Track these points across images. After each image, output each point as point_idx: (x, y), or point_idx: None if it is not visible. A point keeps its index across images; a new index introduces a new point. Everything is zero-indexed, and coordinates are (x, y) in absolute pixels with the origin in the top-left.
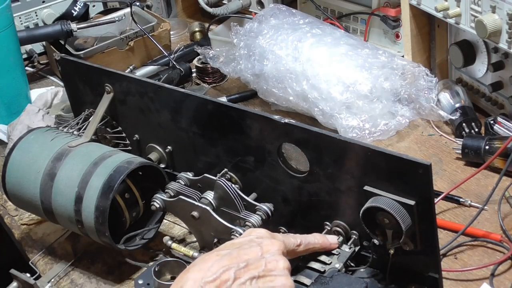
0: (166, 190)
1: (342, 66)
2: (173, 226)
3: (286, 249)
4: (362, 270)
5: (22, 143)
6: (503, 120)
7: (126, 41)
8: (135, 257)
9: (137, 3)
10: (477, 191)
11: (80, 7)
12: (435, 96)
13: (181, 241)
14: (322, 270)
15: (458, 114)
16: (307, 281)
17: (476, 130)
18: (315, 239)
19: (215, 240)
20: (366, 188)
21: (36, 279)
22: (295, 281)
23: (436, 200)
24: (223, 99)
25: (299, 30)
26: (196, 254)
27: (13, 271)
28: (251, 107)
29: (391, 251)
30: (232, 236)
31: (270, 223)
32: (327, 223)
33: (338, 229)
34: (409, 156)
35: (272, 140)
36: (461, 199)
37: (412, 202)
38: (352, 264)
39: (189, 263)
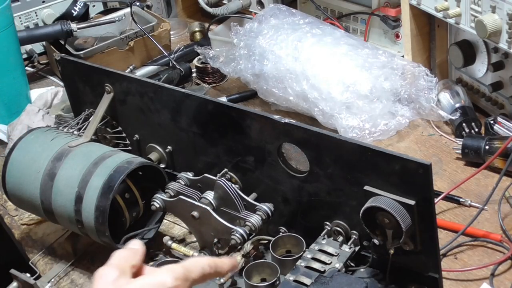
0: (166, 190)
1: (342, 66)
2: (173, 226)
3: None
4: (362, 270)
5: (22, 143)
6: (503, 120)
7: (126, 41)
8: None
9: (137, 3)
10: (477, 191)
11: (80, 7)
12: (435, 96)
13: (181, 241)
14: (322, 270)
15: (458, 114)
16: (307, 281)
17: (476, 130)
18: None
19: (215, 240)
20: (366, 188)
21: (36, 279)
22: (295, 281)
23: (436, 200)
24: (223, 99)
25: (299, 30)
26: (196, 254)
27: (13, 271)
28: (251, 107)
29: (391, 251)
30: (232, 236)
31: (270, 223)
32: (327, 223)
33: (338, 229)
34: (409, 156)
35: (272, 140)
36: (461, 199)
37: (412, 202)
38: (352, 264)
39: None
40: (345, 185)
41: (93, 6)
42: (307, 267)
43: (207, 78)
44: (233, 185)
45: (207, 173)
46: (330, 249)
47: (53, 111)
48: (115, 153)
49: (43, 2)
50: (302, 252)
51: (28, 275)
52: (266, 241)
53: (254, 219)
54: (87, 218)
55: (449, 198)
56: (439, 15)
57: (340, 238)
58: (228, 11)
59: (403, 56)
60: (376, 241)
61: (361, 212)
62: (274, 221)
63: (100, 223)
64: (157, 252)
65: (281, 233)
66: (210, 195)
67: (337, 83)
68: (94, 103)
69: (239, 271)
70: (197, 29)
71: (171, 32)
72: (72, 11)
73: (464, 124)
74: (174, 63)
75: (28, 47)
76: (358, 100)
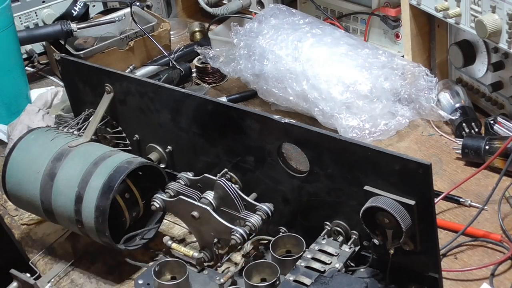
0: (166, 190)
1: (342, 66)
2: (173, 226)
3: None
4: (362, 270)
5: (22, 143)
6: (503, 120)
7: (126, 41)
8: (135, 257)
9: (137, 3)
10: (477, 191)
11: (80, 7)
12: (435, 96)
13: (181, 241)
14: (322, 270)
15: (458, 114)
16: (307, 281)
17: (476, 130)
18: None
19: (215, 240)
20: (366, 188)
21: (36, 279)
22: (295, 281)
23: (436, 200)
24: (223, 99)
25: (299, 30)
26: (196, 254)
27: (13, 271)
28: (251, 107)
29: (391, 251)
30: (232, 236)
31: (270, 223)
32: (327, 223)
33: (338, 229)
34: (409, 156)
35: (272, 140)
36: (461, 199)
37: (412, 202)
38: (352, 264)
39: (189, 263)
40: (345, 185)
41: (93, 6)
42: (307, 267)
43: (207, 78)
44: (233, 185)
45: (207, 173)
46: (330, 249)
47: (53, 111)
48: (115, 153)
49: (43, 2)
50: (302, 252)
51: (28, 275)
52: (266, 241)
53: (254, 219)
54: (87, 218)
55: (449, 198)
56: (439, 15)
57: (340, 238)
58: (228, 11)
59: (403, 56)
60: (376, 241)
61: (361, 212)
62: (274, 221)
63: (100, 223)
64: (157, 252)
65: (281, 233)
66: (210, 195)
67: (337, 83)
68: (94, 103)
69: (239, 271)
70: (197, 29)
71: (171, 32)
72: (72, 11)
73: (464, 124)
74: (174, 63)
75: (28, 47)
76: (358, 100)
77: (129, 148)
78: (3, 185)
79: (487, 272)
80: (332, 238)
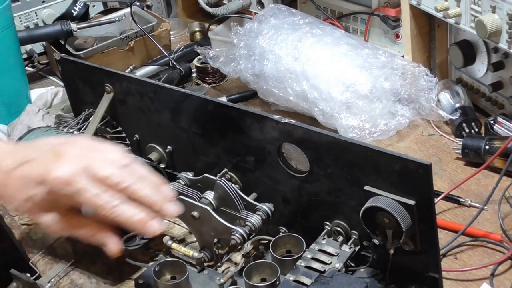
0: None
1: (342, 66)
2: (173, 226)
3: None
4: (362, 270)
5: None
6: (503, 120)
7: (126, 41)
8: (135, 257)
9: (137, 3)
10: (477, 191)
11: (80, 7)
12: (435, 96)
13: (181, 241)
14: (322, 270)
15: (458, 114)
16: (307, 281)
17: (476, 130)
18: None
19: (215, 240)
20: (366, 188)
21: (36, 279)
22: (295, 281)
23: (436, 200)
24: (223, 99)
25: (299, 30)
26: (196, 254)
27: (13, 271)
28: (251, 107)
29: (391, 251)
30: (232, 236)
31: (270, 223)
32: (327, 223)
33: (338, 229)
34: (409, 156)
35: (272, 140)
36: (461, 199)
37: (412, 202)
38: (352, 264)
39: (189, 263)
40: (345, 185)
41: (93, 6)
42: (307, 267)
43: (207, 78)
44: (233, 185)
45: (207, 173)
46: (330, 249)
47: (53, 111)
48: None
49: (43, 2)
50: (302, 252)
51: (28, 275)
52: (266, 241)
53: (254, 219)
54: None
55: (449, 198)
56: (439, 15)
57: (340, 238)
58: (228, 11)
59: (403, 56)
60: (376, 241)
61: (361, 212)
62: (274, 221)
63: None
64: (157, 252)
65: (281, 233)
66: (210, 195)
67: (337, 83)
68: (94, 103)
69: (239, 271)
70: (197, 29)
71: (171, 32)
72: (72, 11)
73: (464, 124)
74: (174, 63)
75: (28, 47)
76: (358, 100)
77: (129, 148)
78: None
79: (487, 272)
80: (332, 238)
